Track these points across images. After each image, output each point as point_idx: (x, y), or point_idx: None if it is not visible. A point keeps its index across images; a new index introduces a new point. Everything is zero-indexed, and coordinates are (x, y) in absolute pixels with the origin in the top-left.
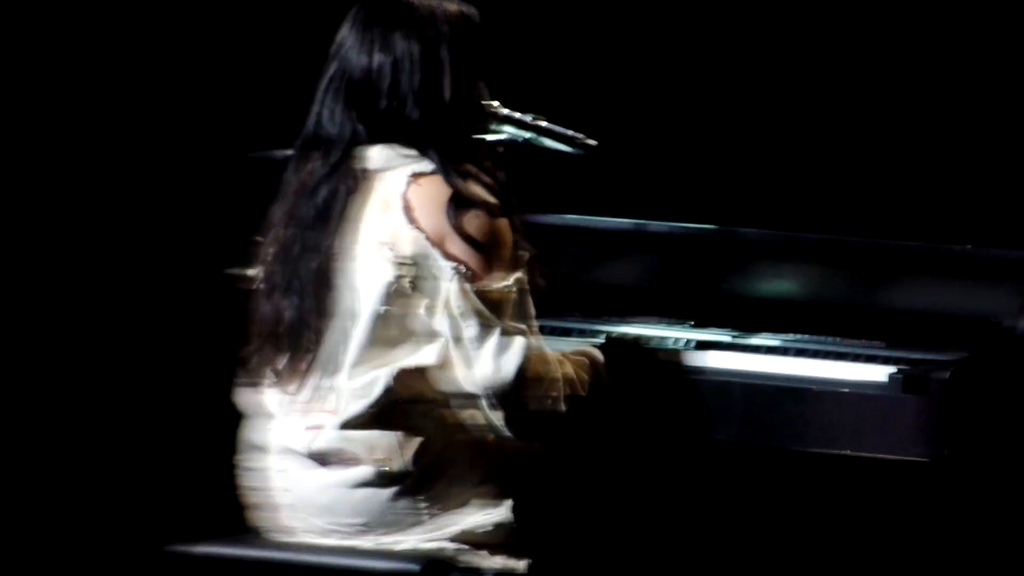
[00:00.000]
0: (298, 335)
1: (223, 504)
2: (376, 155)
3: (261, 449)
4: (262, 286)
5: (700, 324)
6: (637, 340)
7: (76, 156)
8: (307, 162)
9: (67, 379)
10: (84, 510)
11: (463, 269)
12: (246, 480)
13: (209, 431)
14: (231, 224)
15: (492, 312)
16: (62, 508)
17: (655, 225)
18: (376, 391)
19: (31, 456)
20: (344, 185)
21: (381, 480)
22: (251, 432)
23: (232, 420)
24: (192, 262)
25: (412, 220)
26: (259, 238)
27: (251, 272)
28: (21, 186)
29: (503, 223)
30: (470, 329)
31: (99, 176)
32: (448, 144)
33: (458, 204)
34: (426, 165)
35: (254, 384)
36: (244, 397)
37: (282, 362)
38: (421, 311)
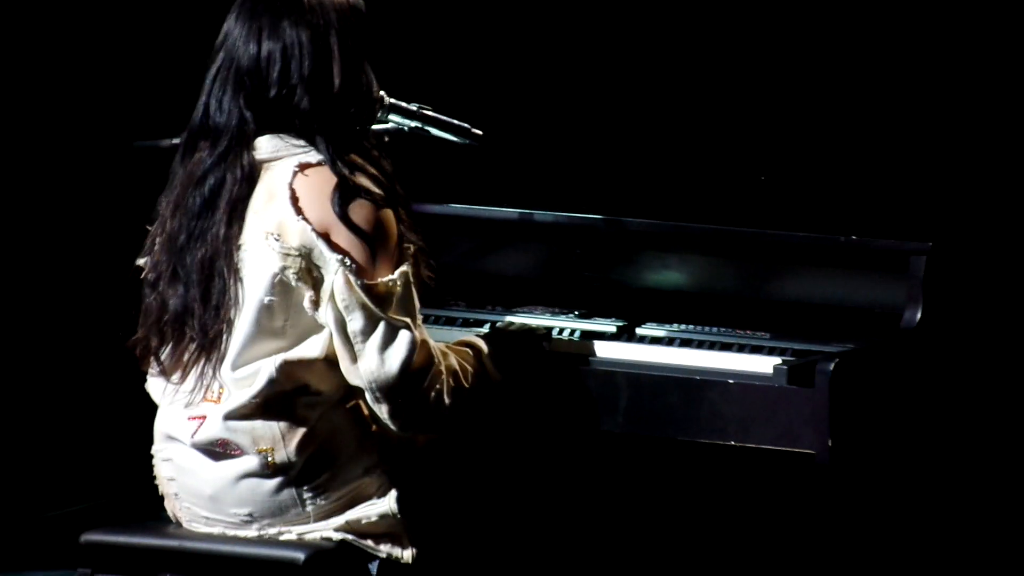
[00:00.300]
0: (182, 324)
1: (141, 493)
2: (264, 145)
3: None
4: (150, 276)
5: (586, 314)
6: (523, 330)
7: None
8: (194, 152)
9: None
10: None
11: (348, 261)
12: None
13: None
14: (119, 213)
15: (377, 305)
16: None
17: (541, 215)
18: (260, 382)
19: None
20: (231, 175)
21: (264, 471)
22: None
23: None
24: (83, 251)
25: (299, 211)
26: (148, 227)
27: (140, 261)
28: None
29: (389, 214)
30: (355, 322)
31: None
32: (336, 133)
33: (344, 194)
34: (313, 156)
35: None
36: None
37: (165, 351)
38: (306, 303)
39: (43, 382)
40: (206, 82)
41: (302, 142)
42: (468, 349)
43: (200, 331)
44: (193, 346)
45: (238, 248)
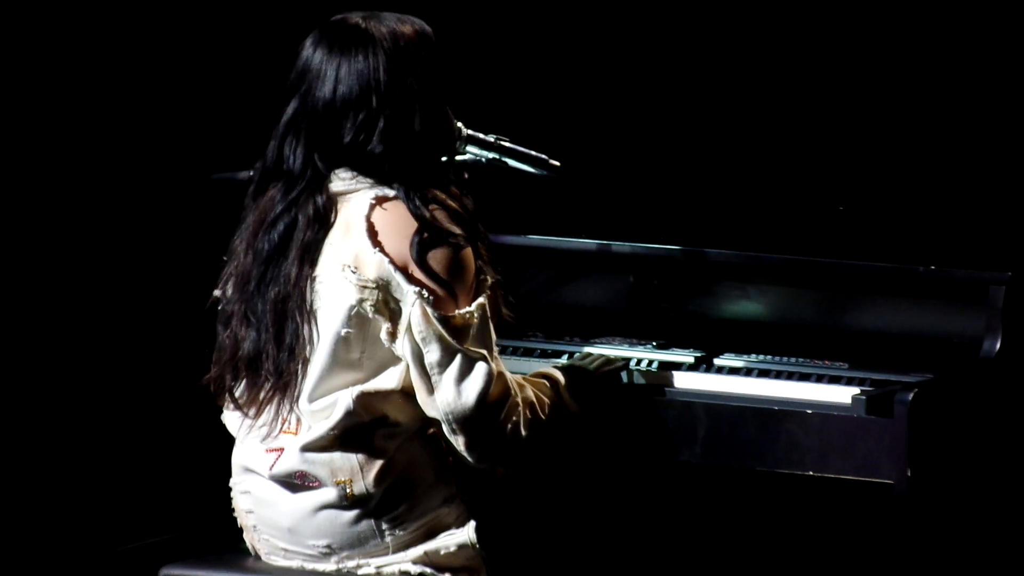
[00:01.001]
0: (256, 366)
1: (220, 526)
2: (338, 180)
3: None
4: (224, 311)
5: (664, 345)
6: (600, 361)
7: (45, 173)
8: (266, 191)
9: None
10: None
11: (426, 293)
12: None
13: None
14: (198, 246)
15: (454, 337)
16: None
17: (619, 245)
18: (337, 414)
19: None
20: (303, 216)
21: (343, 502)
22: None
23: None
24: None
25: (376, 244)
26: (224, 259)
27: (217, 292)
28: None
29: (468, 252)
30: (432, 354)
31: (68, 194)
32: (412, 174)
33: (423, 237)
34: (389, 190)
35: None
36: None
37: (240, 388)
38: (383, 335)
39: (123, 413)
40: (280, 124)
41: (376, 180)
42: (545, 381)
43: (275, 372)
44: (268, 385)
45: (312, 280)
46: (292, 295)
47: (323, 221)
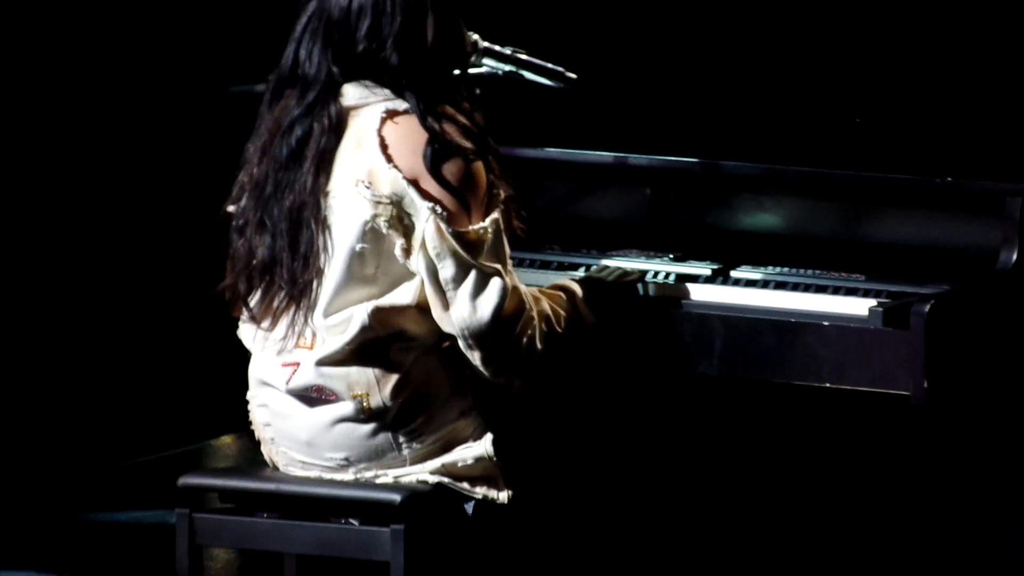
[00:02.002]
0: (271, 273)
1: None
2: (350, 92)
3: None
4: (238, 222)
5: (681, 257)
6: (617, 273)
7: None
8: (281, 99)
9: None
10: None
11: (439, 209)
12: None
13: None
14: (214, 158)
15: (468, 252)
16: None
17: (635, 158)
18: (352, 328)
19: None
20: (319, 124)
21: (360, 415)
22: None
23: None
24: (180, 196)
25: (388, 158)
26: (236, 172)
27: (229, 208)
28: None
29: (479, 166)
30: (446, 270)
31: (81, 110)
32: (426, 86)
33: (434, 149)
34: (400, 103)
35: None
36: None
37: (255, 299)
38: (397, 251)
39: (141, 326)
40: (296, 29)
41: (389, 92)
42: (562, 293)
43: (289, 280)
44: (282, 294)
45: (326, 196)
46: (307, 204)
47: (337, 130)
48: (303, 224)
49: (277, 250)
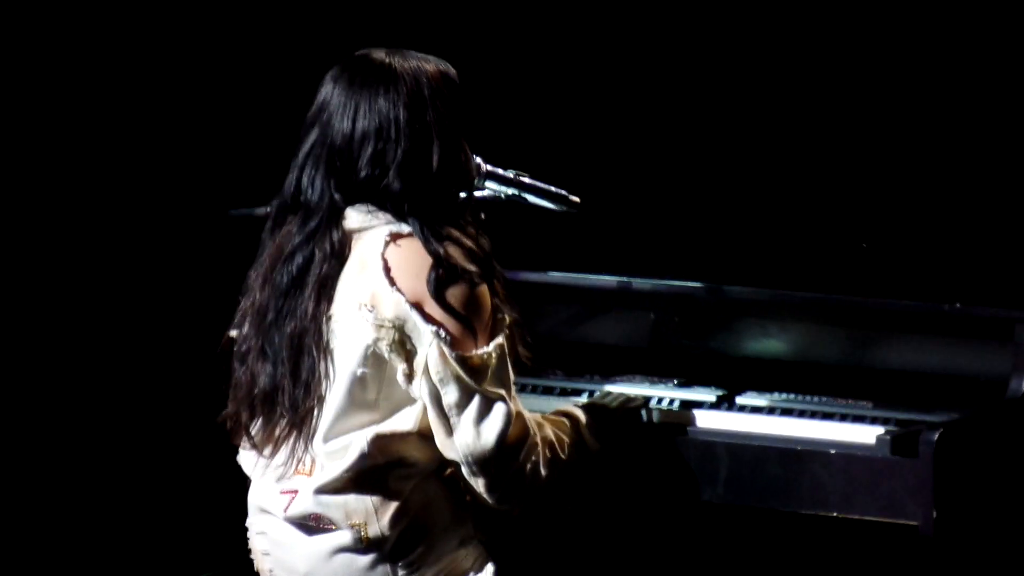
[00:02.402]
0: (272, 401)
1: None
2: (353, 215)
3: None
4: (240, 348)
5: (685, 383)
6: (621, 399)
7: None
8: (283, 225)
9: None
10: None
11: (443, 333)
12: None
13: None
14: (214, 282)
15: (472, 378)
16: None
17: (639, 282)
18: (351, 456)
19: None
20: (320, 251)
21: (358, 545)
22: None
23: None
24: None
25: (392, 281)
26: (239, 298)
27: (232, 333)
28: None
29: (484, 290)
30: (449, 395)
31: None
32: (429, 211)
33: (438, 273)
34: (404, 226)
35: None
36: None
37: (256, 426)
38: (399, 376)
39: (141, 453)
40: (299, 156)
41: (392, 216)
42: (565, 419)
43: (290, 408)
44: (284, 422)
45: (328, 319)
46: (309, 330)
47: (339, 256)
48: (304, 351)
49: (279, 378)
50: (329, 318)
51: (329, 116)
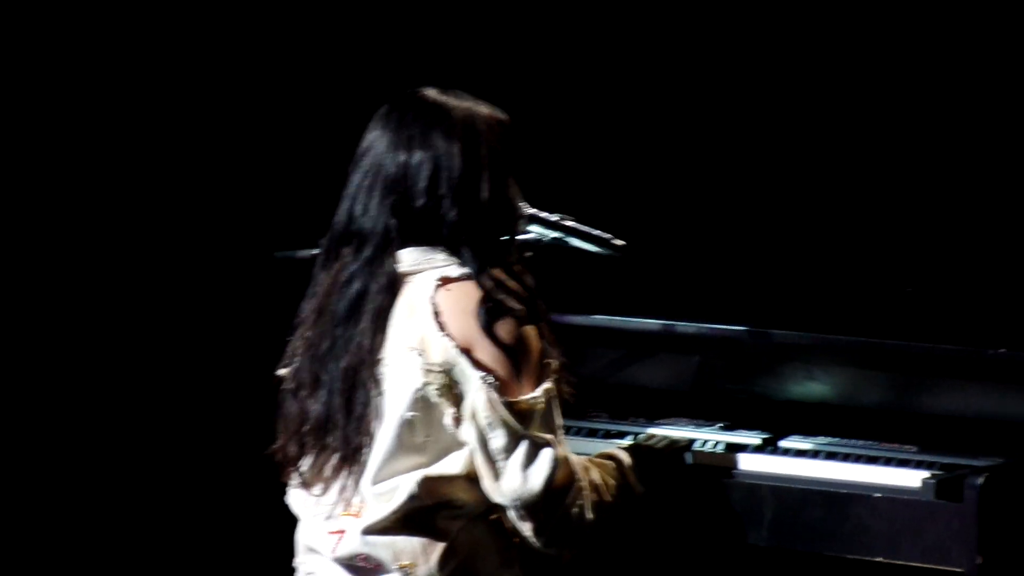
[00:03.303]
0: (323, 434)
1: None
2: (405, 258)
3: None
4: (290, 384)
5: (730, 426)
6: (665, 442)
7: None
8: (337, 259)
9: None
10: None
11: (491, 379)
12: None
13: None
14: (259, 323)
15: (519, 422)
16: None
17: (683, 326)
18: (399, 498)
19: None
20: (376, 283)
21: None
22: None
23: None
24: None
25: (441, 326)
26: (288, 338)
27: (280, 372)
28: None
29: (531, 330)
30: (497, 440)
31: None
32: (481, 244)
33: (489, 308)
34: (454, 270)
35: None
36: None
37: (306, 463)
38: (447, 420)
39: (188, 491)
40: (349, 188)
41: (443, 255)
42: (611, 462)
43: (343, 442)
44: (335, 458)
45: (380, 362)
46: (365, 363)
47: (391, 291)
48: (359, 384)
49: (333, 410)
50: (381, 360)
51: (381, 150)
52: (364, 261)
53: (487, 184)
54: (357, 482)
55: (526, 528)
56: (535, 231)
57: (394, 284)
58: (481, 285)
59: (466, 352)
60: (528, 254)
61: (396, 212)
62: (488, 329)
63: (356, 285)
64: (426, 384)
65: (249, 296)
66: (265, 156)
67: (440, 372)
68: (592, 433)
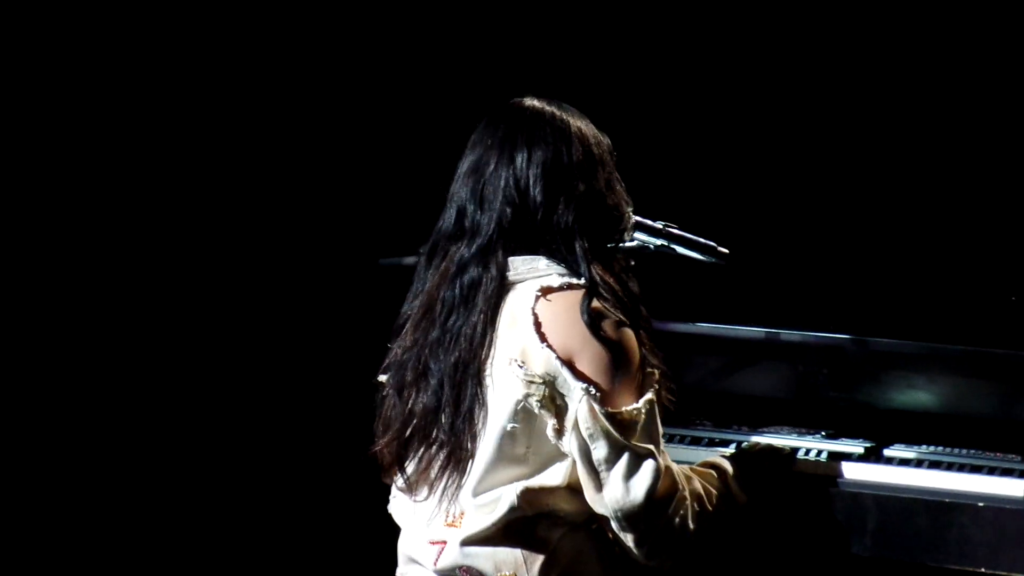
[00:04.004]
0: (430, 426)
1: None
2: (510, 266)
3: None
4: (393, 384)
5: (833, 435)
6: (769, 450)
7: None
8: (445, 256)
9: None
10: None
11: (593, 390)
12: None
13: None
14: (364, 330)
15: (621, 433)
16: None
17: (787, 334)
18: (501, 509)
19: None
20: (488, 274)
21: None
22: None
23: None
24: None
25: (542, 337)
26: (389, 345)
27: (382, 377)
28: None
29: (632, 343)
30: (599, 451)
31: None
32: (592, 247)
33: (589, 328)
34: (555, 279)
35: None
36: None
37: (411, 464)
38: (549, 431)
39: (292, 498)
40: (457, 193)
41: (545, 263)
42: (713, 471)
43: (450, 433)
44: (442, 454)
45: (490, 355)
46: (474, 358)
47: (503, 286)
48: (468, 379)
49: (443, 402)
50: (485, 370)
51: (493, 154)
52: (478, 250)
53: (602, 184)
54: (459, 488)
55: (628, 539)
56: (641, 238)
57: (504, 279)
58: (588, 281)
59: (567, 364)
60: (632, 263)
61: (511, 208)
62: (591, 329)
63: (471, 273)
64: (528, 395)
65: (355, 302)
66: (371, 164)
67: (542, 384)
68: (695, 441)
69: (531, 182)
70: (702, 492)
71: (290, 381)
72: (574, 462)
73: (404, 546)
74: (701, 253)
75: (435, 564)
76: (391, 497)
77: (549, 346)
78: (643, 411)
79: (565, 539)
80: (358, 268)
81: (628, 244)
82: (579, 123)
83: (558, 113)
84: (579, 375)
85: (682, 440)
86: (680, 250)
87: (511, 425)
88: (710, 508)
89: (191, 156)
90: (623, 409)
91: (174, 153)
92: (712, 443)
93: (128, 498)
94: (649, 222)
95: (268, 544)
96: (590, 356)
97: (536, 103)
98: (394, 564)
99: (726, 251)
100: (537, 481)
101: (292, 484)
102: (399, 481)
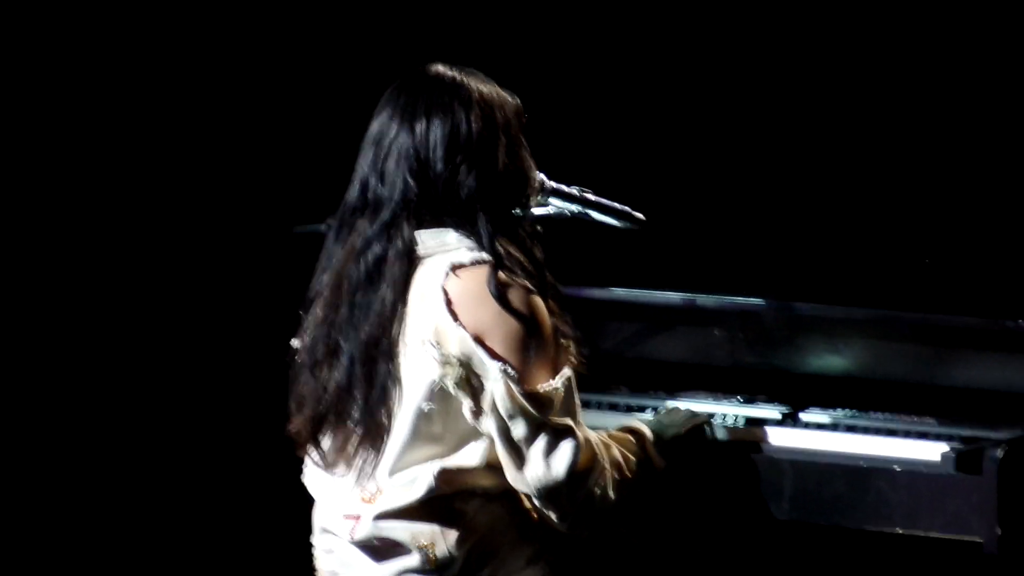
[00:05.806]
0: (344, 404)
1: None
2: (420, 239)
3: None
4: (306, 360)
5: (749, 400)
6: (685, 416)
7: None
8: (351, 230)
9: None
10: None
11: (510, 370)
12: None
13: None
14: (278, 299)
15: (539, 411)
16: None
17: (703, 299)
18: (419, 490)
19: None
20: (394, 248)
21: (426, 567)
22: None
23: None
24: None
25: (455, 316)
26: (300, 311)
27: (294, 343)
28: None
29: (542, 306)
30: (518, 430)
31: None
32: (496, 214)
33: (500, 306)
34: (464, 255)
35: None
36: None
37: (326, 441)
38: (466, 411)
39: (205, 467)
40: (362, 163)
41: (455, 236)
42: (631, 436)
43: (364, 413)
44: (358, 432)
45: (400, 330)
46: (385, 331)
47: (410, 260)
48: (380, 355)
49: (354, 379)
50: (397, 348)
51: (397, 122)
52: (381, 225)
53: (503, 151)
54: (376, 465)
55: (551, 514)
56: (556, 204)
57: (411, 252)
58: (492, 253)
59: (480, 342)
60: (539, 228)
61: (413, 179)
62: (501, 303)
63: (375, 249)
64: (443, 376)
65: (267, 272)
66: (277, 137)
67: (457, 364)
68: (613, 407)
69: (431, 152)
70: (621, 460)
71: (205, 350)
72: (492, 441)
73: (319, 518)
74: (617, 219)
75: (351, 536)
76: (304, 467)
77: (462, 324)
78: (560, 388)
79: (482, 510)
80: (273, 236)
81: (544, 210)
82: (482, 87)
83: (459, 78)
84: (493, 354)
85: (599, 406)
86: (596, 216)
87: (427, 405)
88: (629, 475)
89: (101, 122)
90: (540, 388)
91: (86, 121)
92: (629, 409)
93: (30, 488)
94: (565, 188)
95: (184, 513)
96: (503, 333)
97: (440, 68)
98: (308, 533)
99: (642, 216)
100: (454, 461)
101: (207, 455)
102: (315, 456)
